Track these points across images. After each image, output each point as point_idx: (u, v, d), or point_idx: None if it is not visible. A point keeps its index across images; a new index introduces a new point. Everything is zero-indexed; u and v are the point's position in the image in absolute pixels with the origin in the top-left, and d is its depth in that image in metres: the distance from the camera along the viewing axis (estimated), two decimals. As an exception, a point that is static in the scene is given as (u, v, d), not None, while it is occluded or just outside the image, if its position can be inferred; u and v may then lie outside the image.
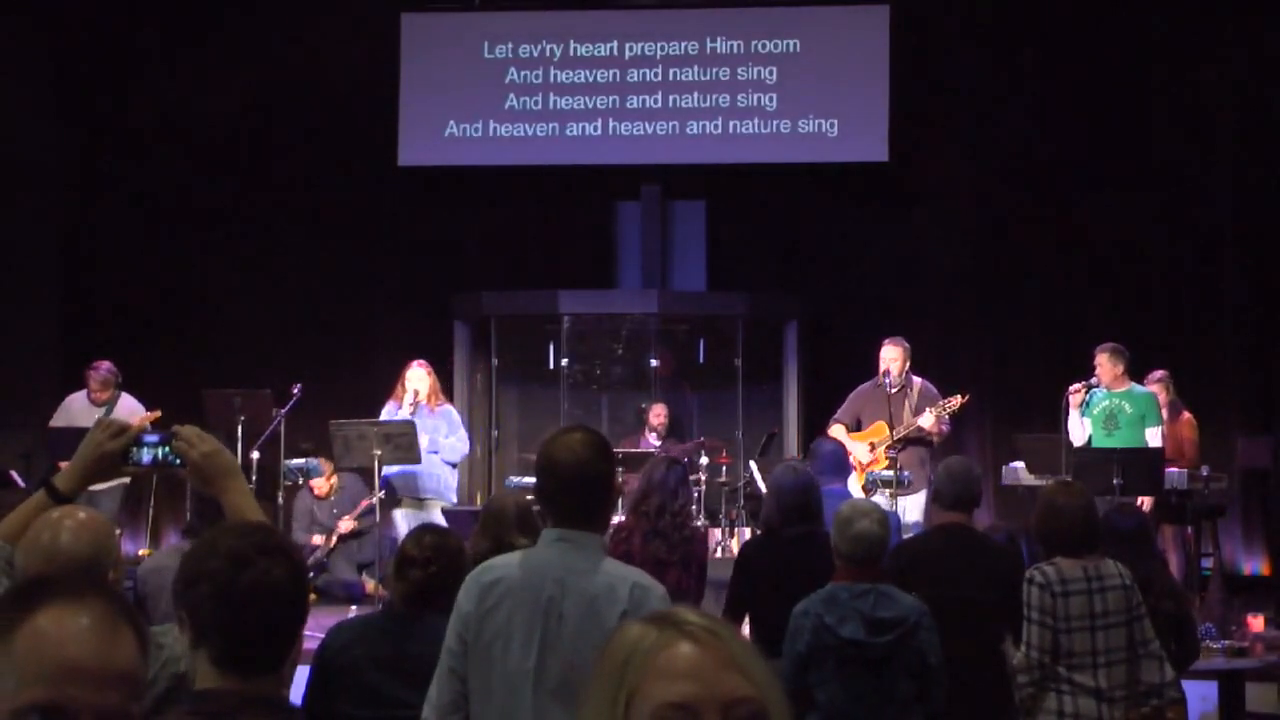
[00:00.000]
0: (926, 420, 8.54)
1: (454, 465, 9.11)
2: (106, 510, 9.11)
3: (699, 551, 5.77)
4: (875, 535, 4.48)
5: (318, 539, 9.97)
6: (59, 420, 9.57)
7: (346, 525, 9.89)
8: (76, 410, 9.58)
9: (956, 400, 8.62)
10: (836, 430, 8.75)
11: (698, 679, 1.42)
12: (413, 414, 8.85)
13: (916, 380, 8.81)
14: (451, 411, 9.19)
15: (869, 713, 4.38)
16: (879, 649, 4.37)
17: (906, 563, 5.13)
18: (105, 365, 9.61)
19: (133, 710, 1.60)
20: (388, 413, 8.98)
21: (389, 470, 8.86)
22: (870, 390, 8.86)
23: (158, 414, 9.54)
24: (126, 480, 9.50)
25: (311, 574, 9.74)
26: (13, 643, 1.57)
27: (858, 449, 8.59)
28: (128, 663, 1.61)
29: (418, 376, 8.98)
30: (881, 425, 8.66)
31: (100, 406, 9.50)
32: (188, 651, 2.16)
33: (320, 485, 10.09)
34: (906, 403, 8.67)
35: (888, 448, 8.51)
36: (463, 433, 9.15)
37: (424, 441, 8.69)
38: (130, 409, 9.52)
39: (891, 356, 8.76)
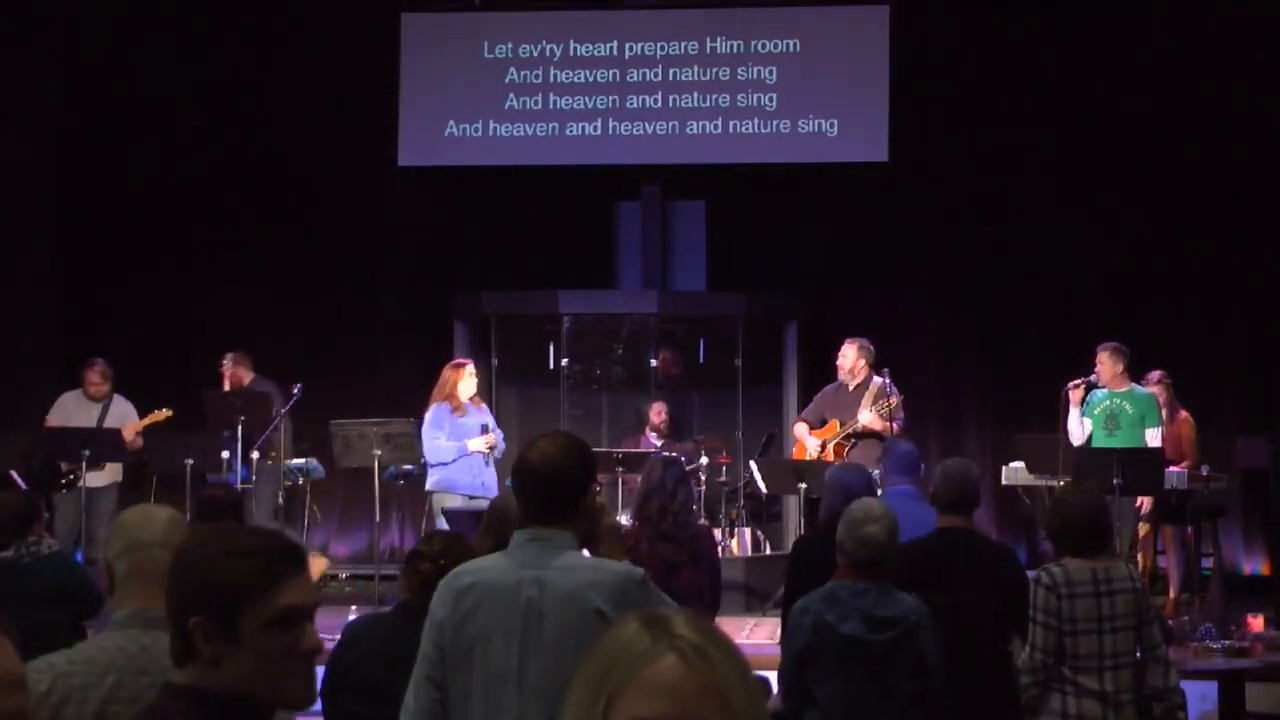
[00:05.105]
0: (865, 418, 8.82)
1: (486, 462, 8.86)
2: (104, 509, 9.15)
3: (707, 548, 5.76)
4: (881, 542, 4.48)
5: None
6: (55, 418, 9.59)
7: None
8: (73, 407, 9.63)
9: (893, 400, 8.77)
10: (800, 428, 9.19)
11: (676, 699, 1.40)
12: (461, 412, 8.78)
13: (876, 379, 8.95)
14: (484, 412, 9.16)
15: (867, 710, 4.37)
16: (879, 646, 4.37)
17: (906, 568, 5.11)
18: (102, 361, 9.73)
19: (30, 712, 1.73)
20: (434, 416, 8.79)
21: (432, 481, 8.77)
22: (832, 389, 9.21)
23: (169, 413, 9.56)
24: (119, 479, 9.50)
25: None
26: None
27: (811, 445, 9.00)
28: (19, 669, 1.71)
29: (469, 373, 8.95)
30: (835, 423, 8.99)
31: (97, 402, 9.57)
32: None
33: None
34: (862, 401, 8.93)
35: (836, 444, 8.83)
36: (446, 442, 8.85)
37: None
38: (122, 413, 9.58)
39: (842, 354, 9.09)
